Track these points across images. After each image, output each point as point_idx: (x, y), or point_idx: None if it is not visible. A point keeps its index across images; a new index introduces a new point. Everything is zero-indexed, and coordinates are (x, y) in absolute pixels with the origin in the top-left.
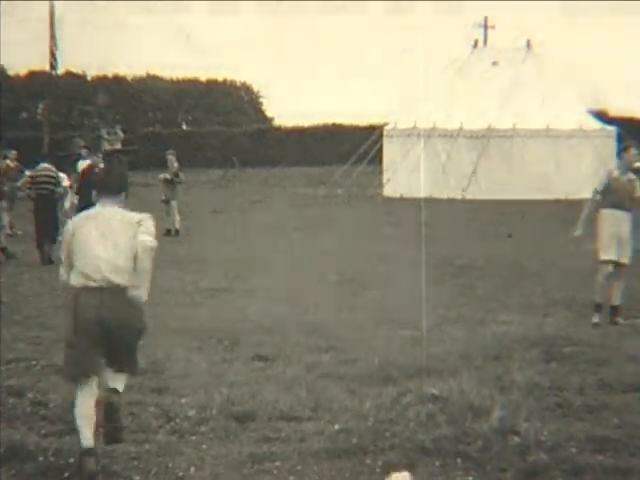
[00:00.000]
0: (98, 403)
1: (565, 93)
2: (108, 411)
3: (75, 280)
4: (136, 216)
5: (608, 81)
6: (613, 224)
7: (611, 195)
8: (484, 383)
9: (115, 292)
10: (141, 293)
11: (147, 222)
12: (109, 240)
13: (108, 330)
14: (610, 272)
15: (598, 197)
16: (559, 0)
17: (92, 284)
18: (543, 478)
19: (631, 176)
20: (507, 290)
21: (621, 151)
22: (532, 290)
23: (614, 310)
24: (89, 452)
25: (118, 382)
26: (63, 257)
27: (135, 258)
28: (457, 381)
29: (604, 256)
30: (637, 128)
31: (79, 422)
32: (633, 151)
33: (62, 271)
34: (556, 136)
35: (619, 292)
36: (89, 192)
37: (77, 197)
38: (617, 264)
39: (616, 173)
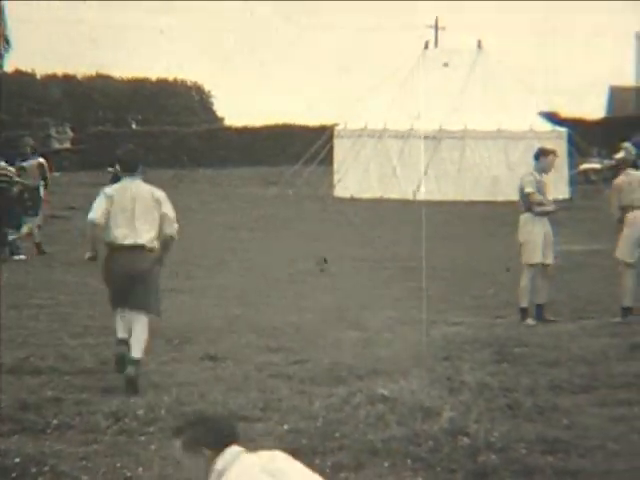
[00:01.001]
0: None
1: (516, 95)
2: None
3: (109, 240)
4: (156, 192)
5: (559, 82)
6: (542, 227)
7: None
8: (434, 384)
9: (138, 250)
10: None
11: (167, 204)
12: (137, 210)
13: (132, 278)
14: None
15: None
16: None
17: (122, 244)
18: (493, 479)
19: (544, 178)
20: (458, 291)
21: (539, 155)
22: (483, 291)
23: (542, 308)
24: (123, 341)
25: (135, 348)
26: (94, 208)
27: (159, 231)
28: (407, 382)
29: (534, 259)
30: (587, 130)
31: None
32: (552, 158)
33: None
34: (507, 137)
35: (546, 291)
36: None
37: None
38: (544, 265)
39: (539, 177)
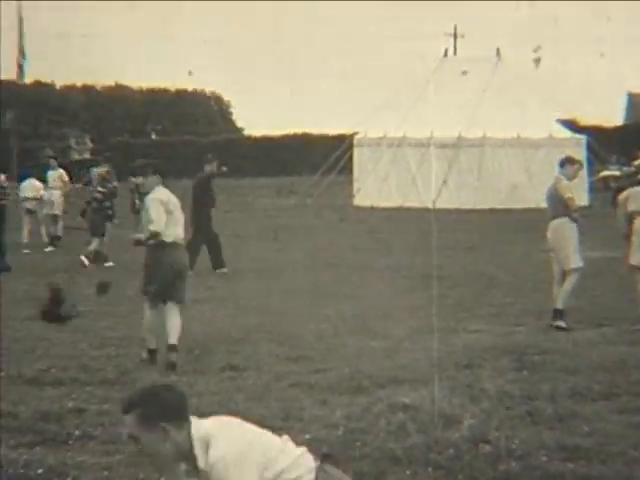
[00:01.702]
0: None
1: (535, 102)
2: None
3: (170, 240)
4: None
5: (577, 90)
6: (576, 232)
7: (568, 205)
8: (455, 392)
9: (182, 247)
10: None
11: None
12: (175, 212)
13: (180, 271)
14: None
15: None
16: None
17: (176, 242)
18: None
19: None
20: (477, 299)
21: (565, 163)
22: (502, 299)
23: (562, 313)
24: (154, 352)
25: (174, 334)
26: (157, 220)
27: None
28: (428, 390)
29: (579, 263)
30: (606, 137)
31: (147, 335)
32: (578, 167)
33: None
34: (526, 145)
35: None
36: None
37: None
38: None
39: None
